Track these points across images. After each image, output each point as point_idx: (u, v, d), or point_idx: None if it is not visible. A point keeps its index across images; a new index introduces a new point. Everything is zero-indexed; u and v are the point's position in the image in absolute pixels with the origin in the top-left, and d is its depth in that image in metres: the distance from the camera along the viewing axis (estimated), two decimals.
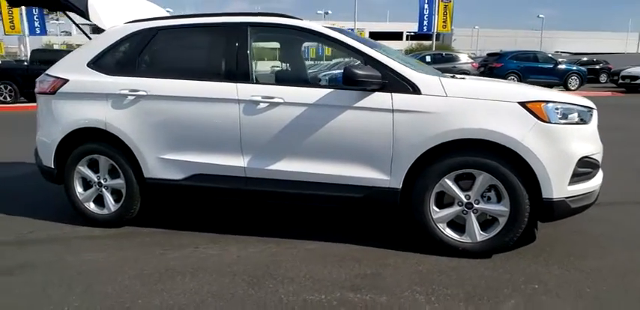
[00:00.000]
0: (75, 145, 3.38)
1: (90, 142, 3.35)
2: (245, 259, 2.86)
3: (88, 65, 3.36)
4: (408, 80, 2.76)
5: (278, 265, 2.76)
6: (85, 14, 3.46)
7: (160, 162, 3.18)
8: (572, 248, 2.96)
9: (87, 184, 3.46)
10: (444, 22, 21.18)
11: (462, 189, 2.75)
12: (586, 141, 2.71)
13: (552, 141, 2.60)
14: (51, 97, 3.41)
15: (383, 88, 2.76)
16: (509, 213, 2.68)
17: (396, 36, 61.31)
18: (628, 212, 3.72)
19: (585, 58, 25.83)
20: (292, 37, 3.50)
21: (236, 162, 3.05)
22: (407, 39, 61.18)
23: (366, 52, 2.86)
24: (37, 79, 3.63)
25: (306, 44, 3.67)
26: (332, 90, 2.87)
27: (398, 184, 2.80)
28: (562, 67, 17.60)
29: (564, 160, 2.62)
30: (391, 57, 2.88)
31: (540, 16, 51.59)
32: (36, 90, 3.59)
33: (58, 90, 3.37)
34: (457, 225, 2.84)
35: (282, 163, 2.97)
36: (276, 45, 3.67)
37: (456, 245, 2.80)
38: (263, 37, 3.36)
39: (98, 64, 3.34)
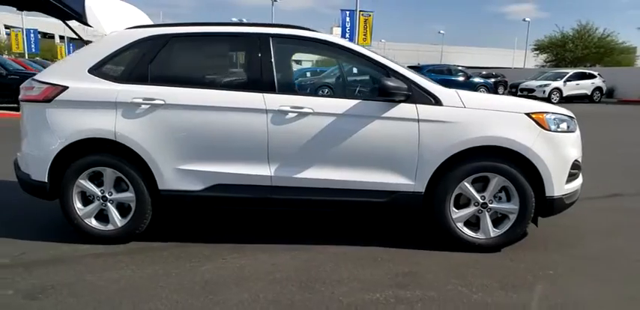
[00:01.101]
0: (73, 157, 3.15)
1: (93, 154, 3.14)
2: (282, 266, 2.89)
3: (90, 71, 3.15)
4: (430, 92, 3.03)
5: (317, 270, 2.85)
6: (82, 18, 3.25)
7: (177, 173, 3.09)
8: (558, 239, 3.42)
9: (86, 199, 3.22)
10: (364, 35, 22.28)
11: (478, 191, 3.07)
12: (575, 146, 3.18)
13: (553, 146, 3.02)
14: (44, 106, 3.14)
15: (408, 100, 2.99)
16: (519, 211, 3.05)
17: None
18: (585, 206, 4.34)
19: (484, 72, 28.71)
20: (313, 50, 3.60)
21: (262, 171, 3.07)
22: None
23: (389, 65, 3.08)
24: (22, 86, 3.32)
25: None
26: (360, 101, 3.04)
27: (422, 188, 3.04)
28: (474, 80, 19.49)
29: (563, 163, 3.06)
30: (410, 71, 3.13)
31: (441, 32, 56.55)
32: (21, 97, 3.27)
33: (55, 98, 3.11)
34: (471, 223, 3.15)
35: (309, 171, 3.06)
36: (296, 56, 3.74)
37: (473, 242, 3.11)
38: (284, 49, 3.41)
39: (102, 70, 3.16)
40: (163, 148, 3.06)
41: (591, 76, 22.00)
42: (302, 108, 3.00)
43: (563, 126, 3.13)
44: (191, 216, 3.89)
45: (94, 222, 3.21)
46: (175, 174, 3.09)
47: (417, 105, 3.00)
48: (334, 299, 2.48)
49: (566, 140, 3.11)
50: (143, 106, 3.05)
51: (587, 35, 36.03)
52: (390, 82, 2.89)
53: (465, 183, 3.04)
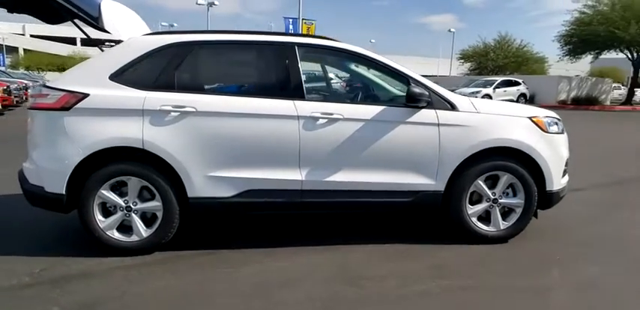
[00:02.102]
0: (92, 167, 3.03)
1: (117, 163, 3.05)
2: (320, 266, 3.00)
3: (112, 78, 3.07)
4: (447, 99, 3.30)
5: (355, 267, 2.99)
6: (97, 22, 3.15)
7: (208, 180, 3.09)
8: (549, 230, 3.80)
9: (106, 210, 3.12)
10: None
11: (489, 188, 3.38)
12: (565, 146, 3.59)
13: (551, 146, 3.41)
14: (62, 114, 3.00)
15: (428, 105, 3.23)
16: (524, 205, 3.40)
17: None
18: None
19: None
20: (335, 58, 3.72)
21: (293, 175, 3.16)
22: None
23: (409, 74, 3.31)
24: (32, 93, 3.15)
25: None
26: (385, 107, 3.23)
27: (442, 187, 3.29)
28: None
29: (559, 161, 3.46)
30: (427, 79, 3.38)
31: (372, 41, 58.78)
32: (32, 105, 3.10)
33: (75, 106, 2.99)
34: (482, 217, 3.45)
35: (339, 174, 3.19)
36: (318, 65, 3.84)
37: (485, 235, 3.41)
38: (310, 57, 3.51)
39: (124, 77, 3.08)
40: (193, 156, 3.05)
41: (517, 83, 24.07)
42: (332, 114, 3.14)
43: (557, 128, 3.54)
44: (206, 223, 3.85)
45: (116, 234, 3.11)
46: (205, 181, 3.09)
47: (437, 110, 3.25)
48: (385, 292, 2.64)
49: (560, 140, 3.51)
50: (172, 114, 3.03)
51: (507, 45, 39.15)
52: (417, 90, 3.12)
53: (479, 181, 3.33)
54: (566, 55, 27.38)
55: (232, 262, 3.05)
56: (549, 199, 3.46)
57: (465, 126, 3.26)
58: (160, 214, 3.11)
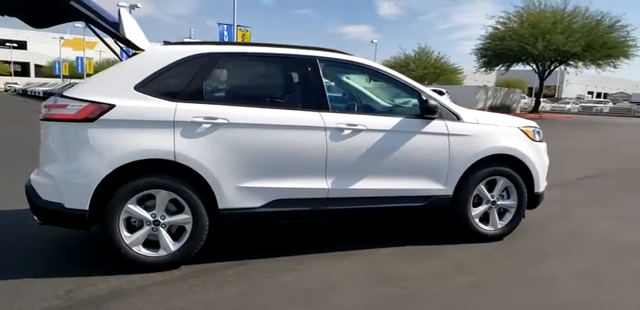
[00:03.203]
0: (117, 181, 2.92)
1: (146, 176, 2.97)
2: (352, 270, 3.15)
3: (137, 89, 2.99)
4: (453, 111, 3.62)
5: (384, 269, 3.18)
6: (117, 29, 3.05)
7: (238, 191, 3.11)
8: (532, 227, 4.26)
9: (130, 225, 3.01)
10: None
11: (488, 191, 3.74)
12: (546, 152, 4.07)
13: (538, 153, 3.86)
14: (86, 126, 2.87)
15: (439, 117, 3.53)
16: (517, 205, 3.81)
17: None
18: None
19: None
20: (355, 72, 3.87)
21: (320, 184, 3.27)
22: None
23: (421, 88, 3.59)
24: (48, 103, 2.96)
25: None
26: (402, 118, 3.47)
27: (451, 192, 3.59)
28: None
29: (544, 166, 3.92)
30: (433, 93, 3.67)
31: None
32: (48, 116, 2.93)
33: (100, 117, 2.87)
34: (481, 218, 3.80)
35: (362, 182, 3.37)
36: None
37: (485, 234, 3.76)
38: (332, 71, 3.63)
39: (150, 87, 3.02)
40: (224, 167, 3.06)
41: (441, 93, 25.77)
42: (356, 125, 3.31)
43: (539, 136, 4.01)
44: (222, 234, 3.80)
45: (143, 250, 3.01)
46: (236, 192, 3.10)
47: (446, 121, 3.55)
48: (423, 290, 2.86)
49: (542, 147, 3.99)
50: (204, 125, 3.02)
51: (426, 57, 41.81)
52: (433, 102, 3.39)
53: (481, 185, 3.69)
54: (482, 66, 29.90)
55: (267, 271, 3.09)
56: (536, 200, 3.90)
57: (469, 135, 3.60)
58: (189, 227, 3.07)
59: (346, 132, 3.30)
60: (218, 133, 3.04)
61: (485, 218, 3.80)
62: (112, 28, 3.06)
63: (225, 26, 22.19)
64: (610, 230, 4.25)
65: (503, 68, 29.58)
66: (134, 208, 2.96)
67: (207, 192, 3.06)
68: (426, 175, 3.52)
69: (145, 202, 3.03)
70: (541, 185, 3.88)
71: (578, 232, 4.18)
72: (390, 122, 3.43)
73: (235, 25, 22.30)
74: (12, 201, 4.39)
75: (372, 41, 49.72)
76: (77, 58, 45.90)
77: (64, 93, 2.98)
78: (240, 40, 22.33)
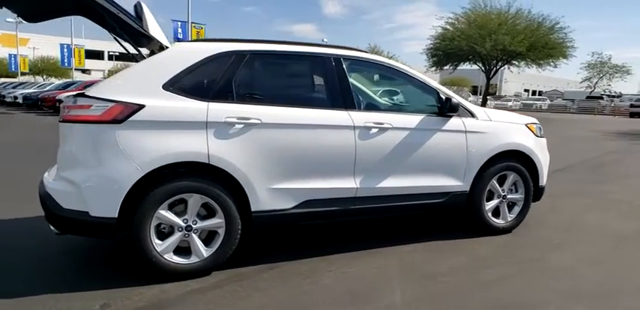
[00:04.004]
0: (146, 186, 2.77)
1: (178, 179, 2.82)
2: (386, 267, 3.18)
3: (165, 88, 2.83)
4: (468, 109, 3.72)
5: (417, 265, 3.25)
6: (140, 24, 2.87)
7: (270, 193, 3.04)
8: (529, 220, 4.47)
9: (160, 232, 2.86)
10: None
11: (500, 186, 3.89)
12: (546, 147, 4.28)
13: (541, 148, 4.06)
14: (114, 127, 2.69)
15: (456, 115, 3.62)
16: (524, 199, 3.99)
17: (95, 55, 56.44)
18: None
19: None
20: (377, 71, 3.84)
21: (348, 183, 3.26)
22: (110, 59, 57.67)
23: (439, 87, 3.67)
24: (67, 104, 2.74)
25: None
26: (424, 116, 3.53)
27: (468, 188, 3.70)
28: None
29: (547, 160, 4.13)
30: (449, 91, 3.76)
31: None
32: (68, 117, 2.72)
33: (130, 118, 2.69)
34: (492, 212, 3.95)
35: (388, 180, 3.40)
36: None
37: (497, 227, 3.91)
38: (356, 69, 3.59)
39: (179, 86, 2.88)
40: (258, 169, 2.97)
41: (396, 92, 26.35)
42: (382, 123, 3.33)
43: (541, 132, 4.21)
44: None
45: (175, 258, 2.86)
46: (268, 194, 3.03)
47: (462, 118, 3.65)
48: (462, 285, 2.93)
49: (544, 143, 4.20)
50: (237, 126, 2.91)
51: None
52: (455, 101, 3.48)
53: (494, 181, 3.82)
54: (432, 66, 30.88)
55: (301, 273, 3.05)
56: (540, 193, 4.11)
57: (484, 132, 3.72)
58: (221, 231, 2.96)
59: (373, 130, 3.31)
60: (251, 134, 2.95)
61: (495, 212, 3.95)
62: (136, 24, 2.88)
63: (179, 23, 21.52)
64: (602, 220, 4.54)
65: (451, 67, 30.70)
66: (166, 214, 2.82)
67: (240, 194, 2.97)
68: (445, 172, 3.60)
69: (174, 207, 2.89)
70: (544, 179, 4.08)
71: (572, 223, 4.44)
72: (413, 120, 3.48)
73: (190, 22, 21.69)
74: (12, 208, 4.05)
75: (322, 40, 50.26)
76: (10, 55, 42.63)
77: (86, 93, 2.77)
78: (195, 38, 21.76)
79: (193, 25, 21.81)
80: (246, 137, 2.95)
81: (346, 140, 3.22)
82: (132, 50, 3.45)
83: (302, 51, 3.29)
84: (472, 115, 3.73)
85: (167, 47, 3.03)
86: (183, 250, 2.93)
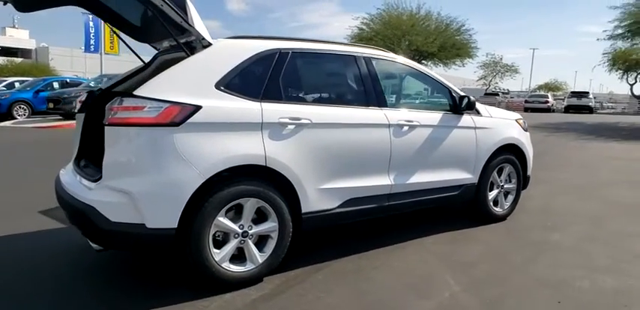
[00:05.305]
0: (204, 192, 2.60)
1: (236, 183, 2.68)
2: (425, 260, 3.33)
3: (218, 87, 2.68)
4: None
5: (452, 255, 3.44)
6: (185, 19, 2.66)
7: (319, 194, 3.03)
8: (518, 208, 4.90)
9: (214, 240, 2.70)
10: (111, 43, 20.25)
11: (498, 177, 4.23)
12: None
13: (528, 141, 4.49)
14: (170, 130, 2.48)
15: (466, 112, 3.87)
16: (516, 188, 4.39)
17: None
18: None
19: None
20: (398, 70, 3.89)
21: (384, 180, 3.35)
22: None
23: (452, 87, 3.88)
24: (114, 106, 2.47)
25: None
26: (443, 113, 3.72)
27: (476, 180, 3.98)
28: None
29: (531, 152, 4.56)
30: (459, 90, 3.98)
31: None
32: (115, 120, 2.46)
33: (188, 120, 2.51)
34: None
35: (416, 176, 3.54)
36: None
37: (497, 214, 4.27)
38: (384, 69, 3.61)
39: (230, 86, 2.73)
40: (307, 170, 2.94)
41: None
42: (412, 121, 3.46)
43: (526, 126, 4.64)
44: None
45: (232, 266, 2.73)
46: (317, 194, 3.01)
47: (471, 116, 3.91)
48: (501, 271, 3.17)
49: (529, 136, 4.63)
50: (289, 127, 2.85)
51: None
52: (472, 99, 3.71)
53: (494, 173, 4.15)
54: None
55: (351, 271, 3.09)
56: (526, 182, 4.54)
57: (488, 128, 4.02)
58: (274, 235, 2.89)
59: (405, 128, 3.42)
60: (302, 134, 2.91)
61: (494, 201, 4.28)
62: (182, 16, 2.65)
63: (90, 16, 19.70)
64: (570, 203, 5.13)
65: None
66: (224, 221, 2.68)
67: (291, 196, 2.90)
68: (460, 166, 3.84)
69: (227, 213, 2.75)
70: (530, 169, 4.52)
71: (548, 208, 4.95)
72: (434, 117, 3.66)
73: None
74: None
75: None
76: None
77: (135, 93, 2.50)
78: (108, 33, 20.13)
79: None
80: (298, 138, 2.89)
81: (383, 138, 3.30)
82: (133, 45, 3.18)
83: (338, 50, 3.30)
84: (478, 112, 4.01)
85: (210, 43, 2.82)
86: (235, 257, 2.80)
